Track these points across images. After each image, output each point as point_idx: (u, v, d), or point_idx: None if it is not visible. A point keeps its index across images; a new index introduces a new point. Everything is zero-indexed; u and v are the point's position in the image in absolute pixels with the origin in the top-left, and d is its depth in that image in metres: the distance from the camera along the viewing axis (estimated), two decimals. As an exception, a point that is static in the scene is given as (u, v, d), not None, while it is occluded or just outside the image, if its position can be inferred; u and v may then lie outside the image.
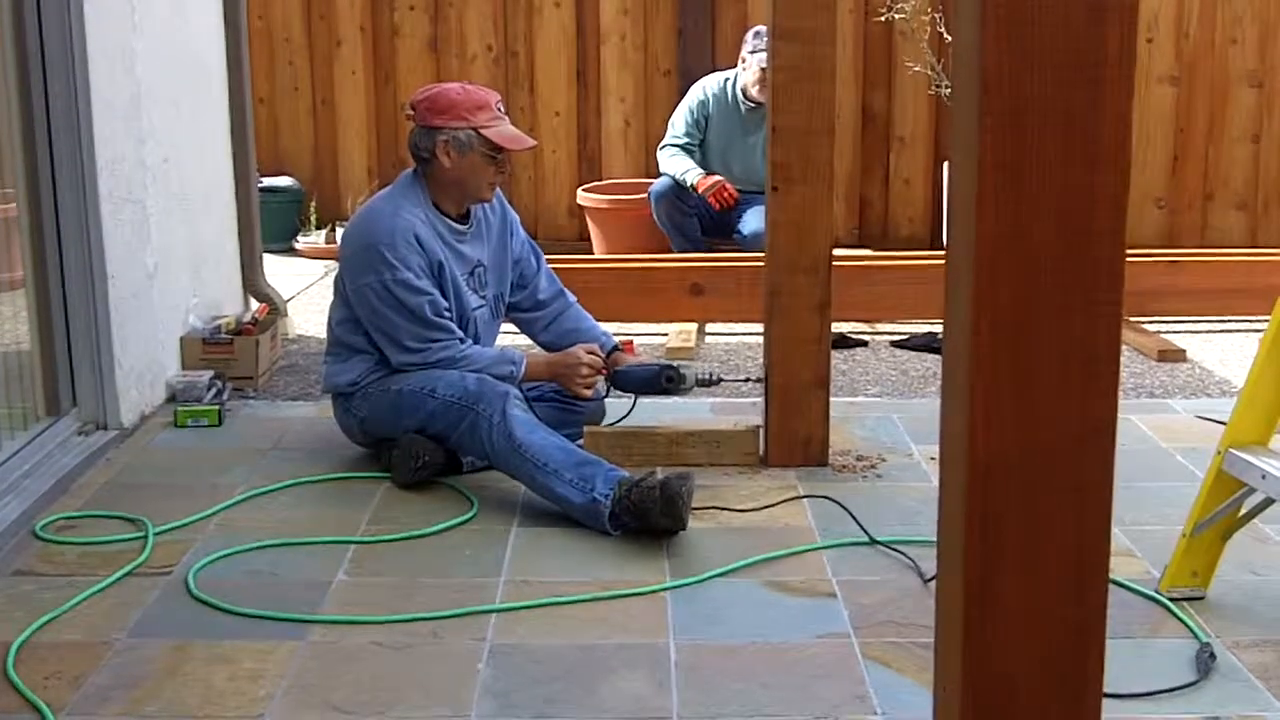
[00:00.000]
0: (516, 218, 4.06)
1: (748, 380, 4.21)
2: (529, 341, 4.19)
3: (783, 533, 3.41)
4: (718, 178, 6.34)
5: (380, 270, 3.67)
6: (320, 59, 7.53)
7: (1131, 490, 3.55)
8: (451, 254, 3.79)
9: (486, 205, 3.91)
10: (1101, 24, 1.45)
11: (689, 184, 6.34)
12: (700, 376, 3.92)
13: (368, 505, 3.60)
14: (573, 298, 4.12)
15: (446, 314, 3.75)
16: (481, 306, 3.89)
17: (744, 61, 6.37)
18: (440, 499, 3.64)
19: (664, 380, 3.85)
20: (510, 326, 4.15)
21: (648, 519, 3.31)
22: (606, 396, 4.00)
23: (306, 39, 7.53)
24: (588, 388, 3.88)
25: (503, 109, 3.82)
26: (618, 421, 3.97)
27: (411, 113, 3.80)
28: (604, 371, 3.91)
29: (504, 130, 3.78)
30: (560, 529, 3.42)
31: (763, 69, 5.82)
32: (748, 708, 2.57)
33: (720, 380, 3.98)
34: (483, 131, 3.74)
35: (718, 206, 6.33)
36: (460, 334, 3.77)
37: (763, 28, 5.84)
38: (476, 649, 2.79)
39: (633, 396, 3.95)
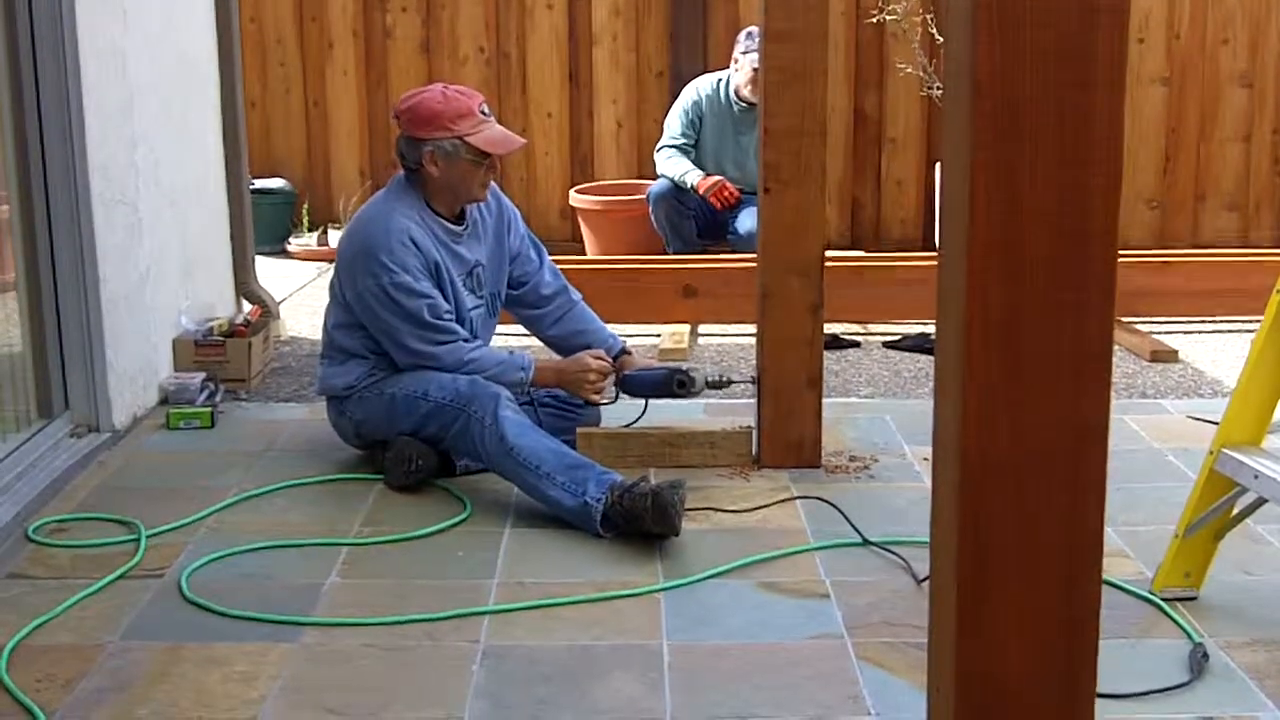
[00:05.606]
0: (516, 212, 4.05)
1: (755, 381, 4.19)
2: (533, 342, 4.18)
3: (776, 534, 3.41)
4: (718, 178, 6.33)
5: (378, 275, 3.66)
6: (312, 61, 7.52)
7: (1124, 491, 3.56)
8: (448, 255, 3.78)
9: (482, 204, 3.90)
10: (1093, 25, 1.46)
11: (689, 185, 6.34)
12: (710, 378, 3.91)
13: (361, 507, 3.59)
14: (578, 295, 4.10)
15: (447, 315, 3.73)
16: (479, 307, 3.89)
17: (736, 62, 6.36)
18: (433, 501, 3.64)
19: (675, 385, 3.83)
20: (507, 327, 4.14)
21: (640, 525, 3.30)
22: (615, 401, 3.99)
23: (298, 41, 7.52)
24: (597, 393, 3.88)
25: (487, 110, 3.79)
26: (630, 425, 3.96)
27: (396, 120, 3.80)
28: (613, 374, 3.90)
29: (490, 134, 3.76)
30: (553, 530, 3.42)
31: (755, 69, 5.83)
32: (740, 709, 2.57)
33: (730, 382, 3.97)
34: (468, 139, 3.71)
35: (719, 206, 6.32)
36: (465, 334, 3.76)
37: (755, 29, 5.85)
38: (470, 650, 2.79)
39: (643, 401, 3.94)
